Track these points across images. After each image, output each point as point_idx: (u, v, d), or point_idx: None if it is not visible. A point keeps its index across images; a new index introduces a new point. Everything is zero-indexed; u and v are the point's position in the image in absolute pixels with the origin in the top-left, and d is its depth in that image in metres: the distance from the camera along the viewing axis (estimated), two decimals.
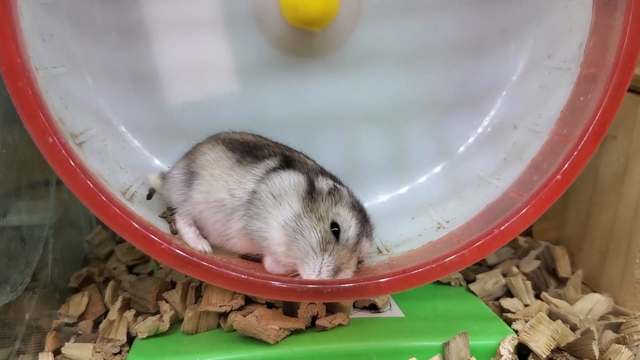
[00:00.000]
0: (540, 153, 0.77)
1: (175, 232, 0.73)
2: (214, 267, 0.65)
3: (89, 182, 0.62)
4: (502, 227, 0.68)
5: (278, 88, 0.85)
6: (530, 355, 0.73)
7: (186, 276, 0.82)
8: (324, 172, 0.78)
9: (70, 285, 0.92)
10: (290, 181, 0.72)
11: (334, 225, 0.69)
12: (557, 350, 0.74)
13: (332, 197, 0.72)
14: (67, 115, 0.69)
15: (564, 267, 0.99)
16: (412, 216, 0.85)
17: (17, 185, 0.80)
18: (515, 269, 0.96)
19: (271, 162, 0.75)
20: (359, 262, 0.74)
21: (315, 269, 0.68)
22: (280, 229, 0.70)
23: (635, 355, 0.73)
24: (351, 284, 0.65)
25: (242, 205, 0.73)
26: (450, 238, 0.77)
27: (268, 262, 0.73)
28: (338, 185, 0.74)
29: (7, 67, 0.58)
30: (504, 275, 0.95)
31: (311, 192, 0.72)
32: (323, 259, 0.68)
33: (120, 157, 0.78)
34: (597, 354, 0.73)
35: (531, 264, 0.98)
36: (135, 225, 0.63)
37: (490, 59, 0.86)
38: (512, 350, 0.72)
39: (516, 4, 0.84)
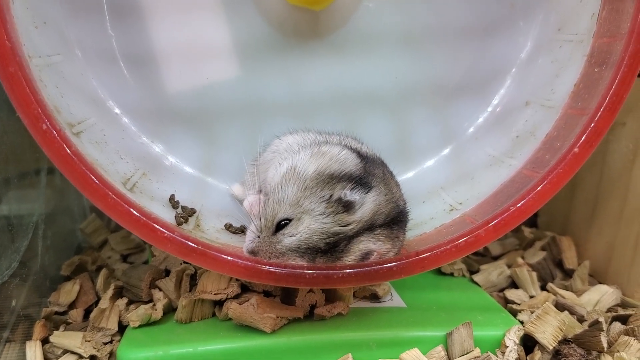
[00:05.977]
0: (555, 128, 0.75)
1: (180, 223, 0.71)
2: (220, 255, 0.62)
3: (84, 169, 0.60)
4: (519, 204, 0.67)
5: (277, 70, 0.83)
6: (537, 347, 0.71)
7: (181, 263, 0.80)
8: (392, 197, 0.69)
9: (61, 274, 0.89)
10: (337, 152, 0.68)
11: (287, 220, 0.63)
12: (564, 341, 0.73)
13: (335, 204, 0.63)
14: (63, 104, 0.68)
15: (570, 258, 0.97)
16: (422, 200, 0.83)
17: (6, 175, 0.78)
18: (520, 260, 0.95)
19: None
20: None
21: (251, 236, 0.65)
22: (280, 177, 0.66)
23: None
24: (362, 269, 0.63)
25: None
26: (464, 219, 0.76)
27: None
28: (355, 204, 0.63)
29: None
30: (509, 266, 0.93)
31: (338, 179, 0.64)
32: (259, 235, 0.65)
33: (120, 147, 0.76)
34: (605, 345, 0.71)
35: (537, 254, 0.96)
36: (136, 212, 0.61)
37: (498, 38, 0.84)
38: (517, 341, 0.70)
39: None
